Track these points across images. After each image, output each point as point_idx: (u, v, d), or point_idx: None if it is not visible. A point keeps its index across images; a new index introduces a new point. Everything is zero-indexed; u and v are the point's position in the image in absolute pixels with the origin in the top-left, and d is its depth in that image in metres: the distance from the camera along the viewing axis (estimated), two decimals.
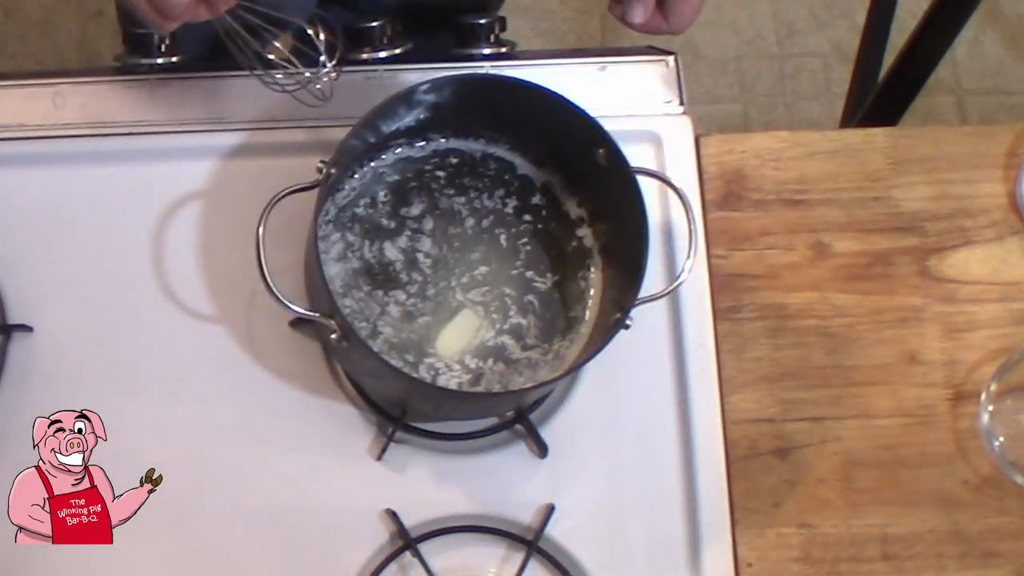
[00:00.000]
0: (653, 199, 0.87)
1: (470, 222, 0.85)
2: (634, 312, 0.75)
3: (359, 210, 0.84)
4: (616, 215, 0.81)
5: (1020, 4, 2.00)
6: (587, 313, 0.84)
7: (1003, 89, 1.96)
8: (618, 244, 0.82)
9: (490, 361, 0.82)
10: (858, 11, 1.87)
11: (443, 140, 0.86)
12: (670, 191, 0.82)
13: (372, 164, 0.85)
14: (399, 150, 0.85)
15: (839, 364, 0.88)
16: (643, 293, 0.75)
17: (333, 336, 0.74)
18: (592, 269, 0.85)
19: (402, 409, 0.83)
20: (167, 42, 0.91)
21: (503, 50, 0.93)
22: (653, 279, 0.85)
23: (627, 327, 0.75)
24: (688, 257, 0.77)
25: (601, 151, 0.78)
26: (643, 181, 0.77)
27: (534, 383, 0.80)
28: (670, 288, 0.78)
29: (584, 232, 0.85)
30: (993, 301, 0.90)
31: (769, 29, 1.97)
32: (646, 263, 0.75)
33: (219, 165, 0.89)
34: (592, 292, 0.84)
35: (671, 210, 0.89)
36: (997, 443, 0.86)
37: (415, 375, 0.80)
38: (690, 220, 0.78)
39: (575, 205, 0.86)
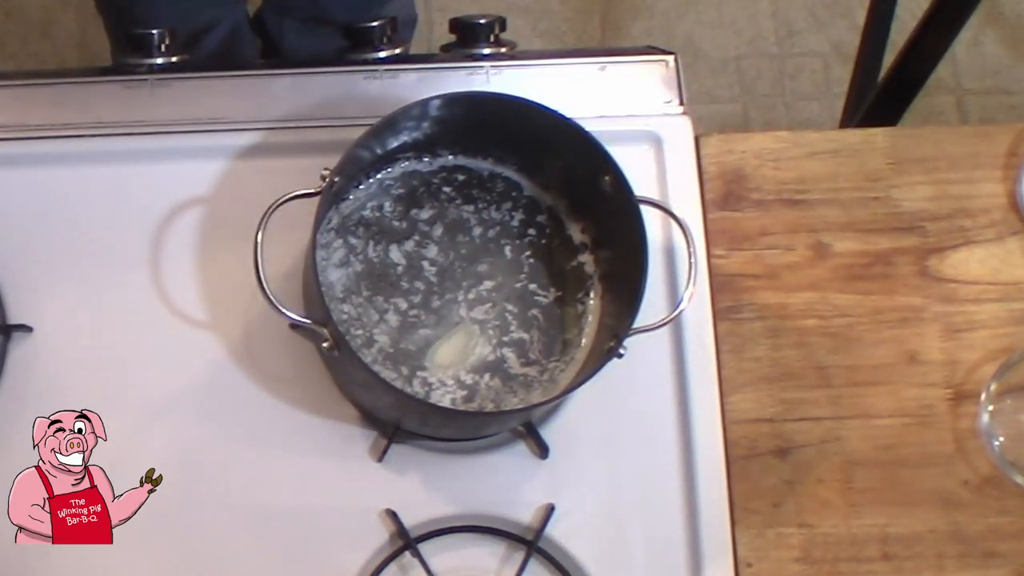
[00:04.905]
0: (657, 220, 0.87)
1: (477, 231, 0.85)
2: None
3: (366, 213, 0.84)
4: (618, 243, 0.81)
5: (1020, 4, 2.00)
6: (583, 339, 0.84)
7: (1003, 89, 1.96)
8: (618, 272, 0.82)
9: (487, 376, 0.82)
10: (858, 11, 1.87)
11: (451, 156, 0.85)
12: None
13: (378, 176, 0.85)
14: (406, 164, 0.85)
15: (839, 364, 0.88)
16: (642, 317, 0.75)
17: (325, 345, 0.74)
18: (591, 295, 0.85)
19: (394, 425, 0.82)
20: (167, 42, 0.91)
21: (503, 50, 0.93)
22: (654, 300, 0.86)
23: (620, 356, 0.75)
24: (687, 287, 0.77)
25: (607, 178, 0.78)
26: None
27: (526, 404, 0.81)
28: (667, 319, 0.78)
29: (586, 258, 0.85)
30: (993, 301, 0.90)
31: (769, 29, 1.97)
32: (643, 294, 0.75)
33: (219, 165, 0.89)
34: (590, 318, 0.84)
35: (674, 231, 0.88)
36: (997, 443, 0.86)
37: (407, 390, 0.80)
38: (691, 252, 0.78)
39: (579, 231, 0.86)
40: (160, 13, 1.16)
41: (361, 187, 0.85)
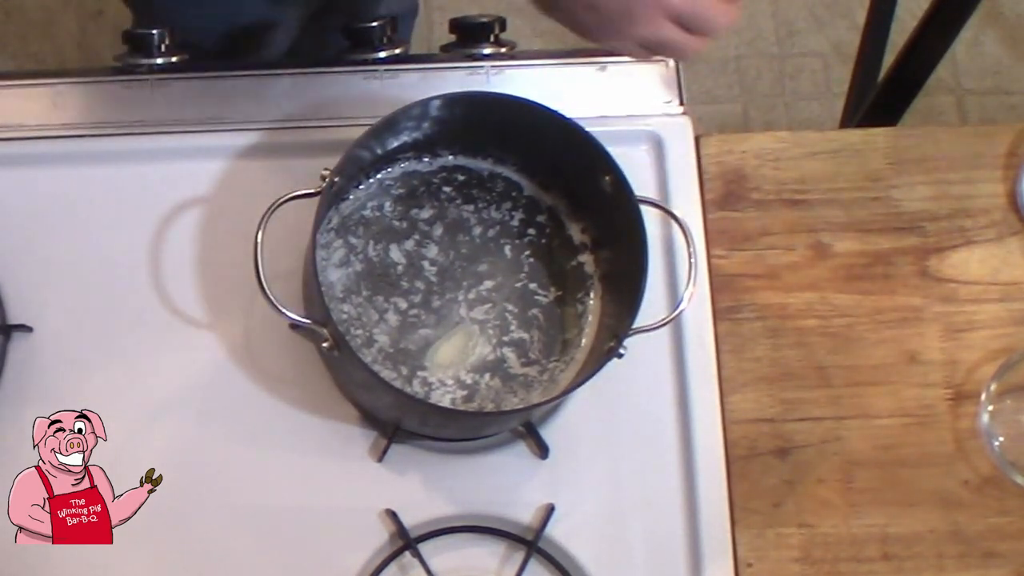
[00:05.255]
0: (657, 220, 0.87)
1: (477, 231, 0.85)
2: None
3: (367, 213, 0.84)
4: (618, 243, 0.81)
5: (1020, 4, 2.00)
6: (583, 339, 0.84)
7: (1003, 89, 1.95)
8: (618, 272, 0.82)
9: (487, 376, 0.82)
10: (858, 11, 1.87)
11: (451, 156, 0.85)
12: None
13: (378, 176, 0.85)
14: (406, 164, 0.85)
15: (839, 364, 0.88)
16: (642, 317, 0.75)
17: (325, 345, 0.74)
18: (591, 295, 0.85)
19: (394, 425, 0.82)
20: (167, 41, 0.91)
21: (503, 50, 0.93)
22: (654, 300, 0.86)
23: (620, 356, 0.75)
24: (687, 287, 0.78)
25: (607, 178, 0.78)
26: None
27: (526, 404, 0.81)
28: (667, 319, 0.79)
29: (586, 258, 0.85)
30: (993, 301, 0.90)
31: (769, 29, 1.97)
32: (643, 294, 0.75)
33: (219, 166, 0.89)
34: (590, 318, 0.84)
35: (674, 231, 0.88)
36: (997, 443, 0.86)
37: (407, 390, 0.80)
38: (691, 252, 0.78)
39: (579, 231, 0.86)
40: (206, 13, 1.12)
41: (361, 187, 0.85)
